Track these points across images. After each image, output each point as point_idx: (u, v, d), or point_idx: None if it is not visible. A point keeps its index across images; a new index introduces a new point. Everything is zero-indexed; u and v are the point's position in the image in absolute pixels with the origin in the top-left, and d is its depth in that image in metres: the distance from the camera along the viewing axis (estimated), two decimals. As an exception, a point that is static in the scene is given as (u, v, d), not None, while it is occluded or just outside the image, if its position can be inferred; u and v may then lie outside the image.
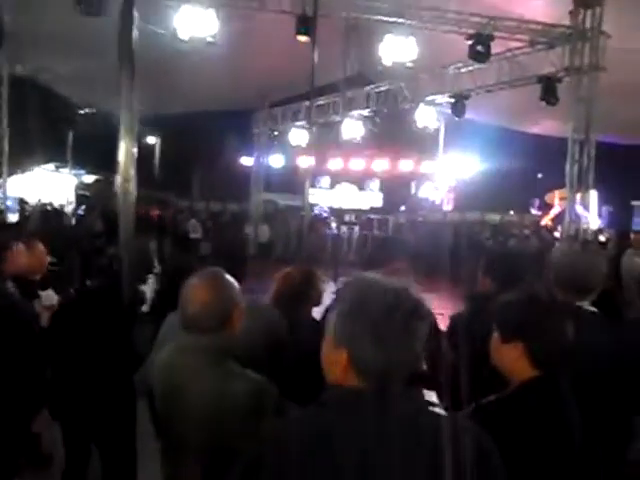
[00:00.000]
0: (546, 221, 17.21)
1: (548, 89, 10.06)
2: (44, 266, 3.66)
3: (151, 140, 22.93)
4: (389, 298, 1.11)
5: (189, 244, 12.28)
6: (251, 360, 2.00)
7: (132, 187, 2.64)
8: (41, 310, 3.36)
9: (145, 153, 22.16)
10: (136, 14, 2.69)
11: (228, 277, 1.72)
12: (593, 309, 1.94)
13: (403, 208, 19.91)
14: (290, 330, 2.46)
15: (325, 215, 17.60)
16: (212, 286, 1.67)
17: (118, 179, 2.66)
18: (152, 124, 20.49)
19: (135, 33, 2.64)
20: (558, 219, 13.52)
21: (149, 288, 3.20)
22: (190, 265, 2.52)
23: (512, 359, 1.53)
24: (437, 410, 1.18)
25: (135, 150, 2.63)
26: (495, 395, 1.52)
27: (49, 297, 3.53)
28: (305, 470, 1.05)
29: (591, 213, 12.02)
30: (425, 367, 2.56)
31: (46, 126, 15.01)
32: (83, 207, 14.74)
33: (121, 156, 2.60)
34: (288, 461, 1.06)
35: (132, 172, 2.64)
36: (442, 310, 2.53)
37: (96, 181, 17.54)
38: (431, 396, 2.05)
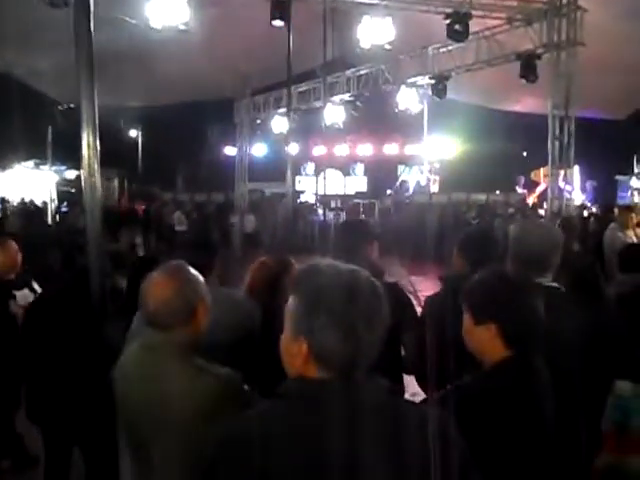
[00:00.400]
0: (532, 199, 17.33)
1: (527, 66, 10.04)
2: (17, 265, 3.60)
3: (133, 133, 22.70)
4: (344, 282, 1.09)
5: (174, 237, 12.19)
6: (223, 352, 1.97)
7: (97, 181, 2.57)
8: (17, 310, 3.32)
9: (127, 147, 21.97)
10: (92, 1, 2.60)
11: (190, 271, 1.66)
12: (554, 284, 1.92)
13: (389, 192, 19.92)
14: (265, 320, 2.44)
15: (311, 202, 17.56)
16: (172, 281, 1.61)
17: (82, 174, 2.60)
18: (133, 117, 20.29)
19: (91, 21, 2.55)
20: (544, 196, 13.59)
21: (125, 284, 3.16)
22: (158, 258, 2.47)
23: (485, 340, 1.51)
24: (402, 398, 1.16)
25: (98, 144, 2.55)
26: (469, 376, 1.51)
27: (25, 296, 3.48)
28: (268, 467, 1.02)
29: (574, 189, 12.10)
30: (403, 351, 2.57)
31: (24, 123, 14.76)
32: (65, 203, 14.58)
33: (84, 150, 2.54)
34: (246, 459, 1.04)
35: (97, 166, 2.57)
36: (429, 292, 2.52)
37: (78, 177, 17.32)
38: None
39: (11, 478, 3.35)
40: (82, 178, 2.64)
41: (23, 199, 14.94)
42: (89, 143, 2.56)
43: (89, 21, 2.59)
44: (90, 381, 2.56)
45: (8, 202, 14.10)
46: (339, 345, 1.06)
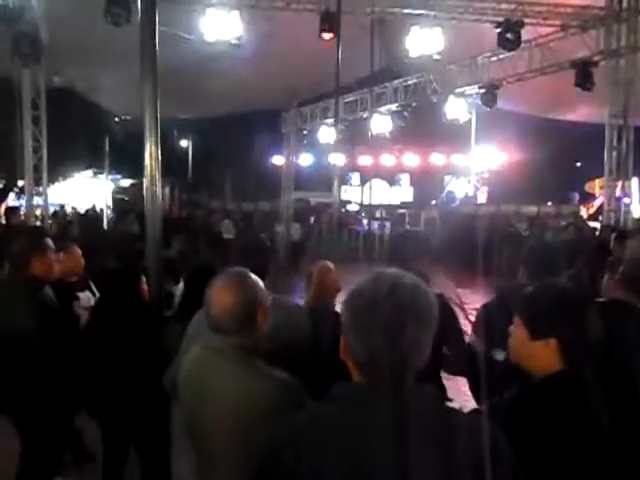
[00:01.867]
0: (589, 212, 16.61)
1: (583, 74, 9.73)
2: (81, 269, 3.80)
3: (184, 144, 23.43)
4: (378, 291, 1.10)
5: (222, 245, 12.43)
6: (277, 357, 2.02)
7: (159, 190, 2.68)
8: (81, 311, 3.50)
9: (178, 157, 22.70)
10: (157, 19, 2.73)
11: (251, 277, 1.71)
12: None
13: (433, 202, 19.66)
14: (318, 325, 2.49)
15: (355, 212, 17.55)
16: (233, 288, 1.65)
17: (144, 183, 2.72)
18: (184, 128, 20.97)
19: (156, 38, 2.68)
20: (600, 209, 13.07)
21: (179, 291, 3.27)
22: (213, 265, 2.55)
23: (541, 354, 1.47)
24: (452, 406, 1.15)
25: (159, 154, 2.67)
26: (517, 389, 1.48)
27: (87, 298, 3.66)
28: (316, 469, 1.05)
29: (632, 202, 11.57)
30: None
31: (84, 134, 15.52)
32: (117, 211, 15.19)
33: (147, 160, 2.66)
34: (295, 461, 1.07)
35: (158, 176, 2.69)
36: (477, 305, 2.50)
37: (132, 185, 18.03)
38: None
39: (71, 472, 3.49)
40: (144, 187, 2.76)
41: (93, 206, 15.67)
42: (151, 153, 2.67)
43: (154, 37, 2.72)
44: (146, 381, 2.67)
45: (75, 209, 14.85)
46: (361, 351, 1.08)
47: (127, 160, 15.47)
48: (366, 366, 1.10)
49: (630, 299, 1.76)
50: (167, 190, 19.99)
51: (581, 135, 14.90)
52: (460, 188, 20.75)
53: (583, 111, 13.99)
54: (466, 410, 1.56)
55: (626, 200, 9.91)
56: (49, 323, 2.70)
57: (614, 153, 9.74)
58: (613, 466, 1.43)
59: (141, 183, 2.74)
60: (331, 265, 2.87)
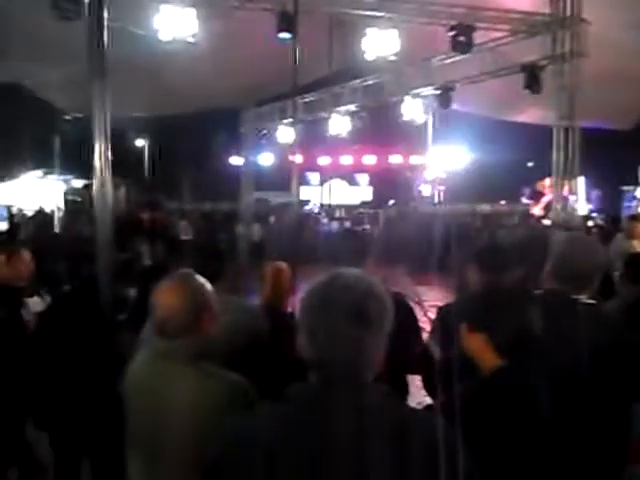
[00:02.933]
0: (538, 210, 17.30)
1: (531, 77, 10.08)
2: (29, 274, 3.65)
3: (139, 143, 22.89)
4: (329, 292, 1.11)
5: (180, 246, 12.23)
6: (232, 358, 2.00)
7: (109, 191, 2.62)
8: (30, 317, 3.36)
9: (134, 156, 22.17)
10: (107, 15, 2.66)
11: (197, 279, 1.70)
12: (590, 301, 1.88)
13: (392, 202, 19.95)
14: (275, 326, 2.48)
15: (316, 212, 17.62)
16: (179, 290, 1.64)
17: (94, 184, 2.64)
18: (140, 127, 20.48)
19: (105, 34, 2.61)
20: (549, 207, 13.58)
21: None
22: (167, 267, 2.51)
23: (479, 349, 1.56)
24: (401, 402, 1.18)
25: (110, 154, 2.60)
26: (466, 384, 1.52)
27: (36, 304, 3.53)
28: (272, 465, 1.05)
29: (579, 200, 12.08)
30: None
31: (32, 132, 14.93)
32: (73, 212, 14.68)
33: (96, 160, 2.58)
34: (247, 460, 1.07)
35: (108, 176, 2.62)
36: (436, 302, 2.56)
37: (85, 186, 17.46)
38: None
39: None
40: (94, 188, 2.69)
41: (29, 208, 15.07)
42: (101, 153, 2.61)
43: (102, 34, 2.65)
44: (99, 389, 2.59)
45: (21, 210, 14.23)
46: (309, 351, 1.10)
47: (79, 160, 15.01)
48: (316, 365, 1.11)
49: (563, 290, 1.86)
50: (123, 191, 19.50)
51: (532, 136, 15.43)
52: (418, 188, 21.13)
53: (534, 113, 14.49)
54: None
55: (572, 198, 10.33)
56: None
57: (561, 154, 10.13)
58: (556, 457, 1.49)
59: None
60: (284, 265, 2.88)
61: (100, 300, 2.67)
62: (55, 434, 2.86)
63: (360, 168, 22.06)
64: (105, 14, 2.64)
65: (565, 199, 10.23)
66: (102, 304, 2.68)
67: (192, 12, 8.39)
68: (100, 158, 2.60)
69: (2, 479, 2.90)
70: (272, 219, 17.11)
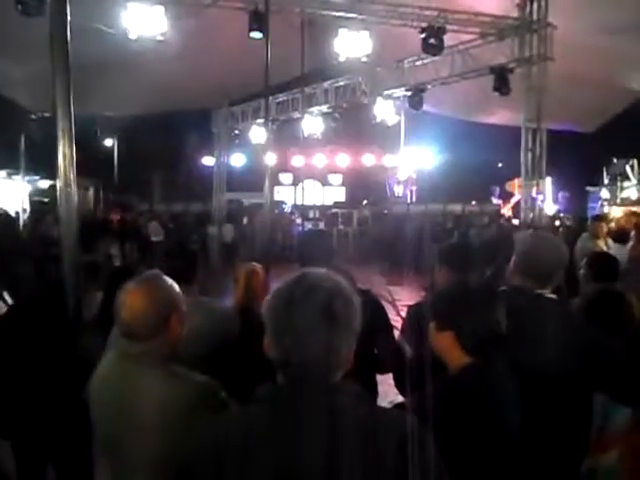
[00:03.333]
0: (507, 209, 17.68)
1: (500, 79, 10.28)
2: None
3: (109, 143, 22.44)
4: (294, 292, 1.11)
5: (150, 247, 12.05)
6: (202, 360, 1.97)
7: (73, 192, 2.55)
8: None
9: (103, 156, 21.71)
10: (69, 10, 2.59)
11: (164, 280, 1.66)
12: (552, 296, 1.95)
13: (365, 202, 20.08)
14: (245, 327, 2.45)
15: (289, 212, 17.58)
16: (145, 292, 1.60)
17: (57, 184, 2.57)
18: (109, 126, 20.08)
19: (68, 30, 2.54)
20: (518, 207, 13.87)
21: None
22: (135, 268, 2.45)
23: (446, 347, 1.57)
24: (370, 402, 1.17)
25: (74, 154, 2.53)
26: (435, 383, 1.54)
27: (-2, 308, 3.41)
28: (242, 466, 1.05)
29: (546, 199, 12.37)
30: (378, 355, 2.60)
31: (-4, 132, 14.49)
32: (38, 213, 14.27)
33: (60, 160, 2.51)
34: (224, 460, 1.06)
35: (72, 177, 2.55)
36: (409, 301, 2.57)
37: (51, 187, 17.00)
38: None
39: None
40: (57, 188, 2.61)
41: (3, 209, 14.60)
42: (65, 153, 2.54)
43: (65, 30, 2.57)
44: (64, 395, 2.52)
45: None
46: (276, 351, 1.09)
47: (45, 160, 14.61)
48: (282, 366, 1.10)
49: (526, 285, 1.91)
50: (91, 191, 19.08)
51: (502, 137, 15.74)
52: (390, 188, 21.32)
53: (503, 115, 14.78)
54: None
55: (540, 198, 10.58)
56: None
57: (529, 154, 10.36)
58: (524, 453, 1.51)
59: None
60: (258, 267, 2.85)
61: (65, 303, 2.60)
62: (18, 441, 2.76)
63: (333, 169, 22.12)
64: (68, 10, 2.56)
65: (533, 199, 10.46)
66: (67, 307, 2.60)
67: (160, 10, 8.28)
68: (64, 158, 2.53)
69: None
70: (245, 220, 16.99)
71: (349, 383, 1.13)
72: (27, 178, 15.90)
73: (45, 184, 17.15)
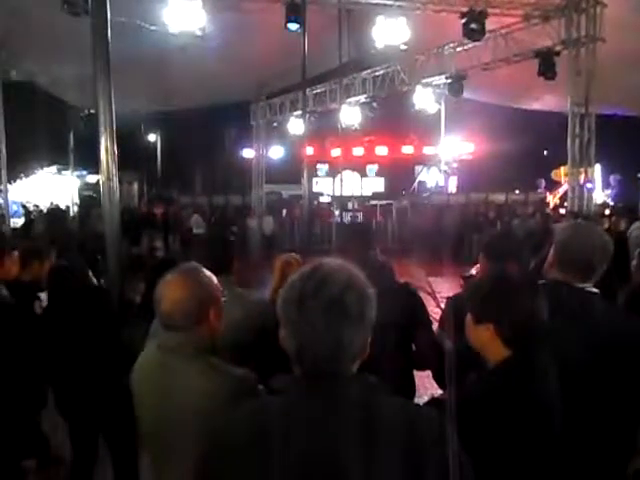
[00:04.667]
0: (555, 199, 17.01)
1: (545, 63, 9.90)
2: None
3: (152, 138, 23.01)
4: (306, 286, 1.10)
5: (193, 240, 12.31)
6: (238, 352, 1.99)
7: (115, 185, 2.62)
8: (41, 311, 3.40)
9: (146, 151, 22.30)
10: (109, 8, 2.65)
11: (202, 272, 1.67)
12: (594, 290, 1.84)
13: (404, 192, 19.80)
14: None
15: (328, 203, 17.56)
16: (183, 283, 1.61)
17: (101, 178, 2.65)
18: (152, 122, 20.59)
19: (109, 28, 2.60)
20: (566, 196, 13.39)
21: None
22: (175, 260, 2.50)
23: (485, 340, 1.52)
24: (389, 395, 1.15)
25: (115, 148, 2.61)
26: (473, 377, 1.50)
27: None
28: (260, 457, 1.05)
29: (595, 188, 11.88)
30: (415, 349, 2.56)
31: (47, 129, 15.09)
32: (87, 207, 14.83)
33: (102, 155, 2.59)
34: (235, 451, 1.08)
35: (115, 170, 2.63)
36: (449, 293, 2.51)
37: (99, 181, 17.63)
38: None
39: (35, 478, 3.41)
40: (100, 183, 2.70)
41: (52, 203, 15.28)
42: (107, 147, 2.61)
43: (106, 28, 2.64)
44: (110, 379, 2.62)
45: (37, 207, 14.41)
46: (290, 343, 1.09)
47: (92, 156, 15.13)
48: (295, 358, 1.10)
49: (566, 279, 1.81)
50: (136, 185, 19.65)
51: (547, 124, 15.18)
52: (431, 178, 20.96)
53: (548, 100, 14.26)
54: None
55: (589, 186, 10.16)
56: (3, 322, 2.63)
57: (577, 141, 9.96)
58: (566, 450, 1.46)
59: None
60: (294, 258, 2.85)
61: (110, 294, 2.69)
62: (73, 423, 2.90)
63: (372, 159, 21.93)
64: (108, 8, 2.63)
65: (581, 188, 10.07)
66: (112, 298, 2.69)
67: (198, 4, 8.38)
68: (106, 153, 2.60)
69: (18, 470, 2.94)
70: (284, 212, 17.11)
71: (365, 375, 1.12)
72: (76, 173, 16.53)
73: (93, 179, 17.80)
